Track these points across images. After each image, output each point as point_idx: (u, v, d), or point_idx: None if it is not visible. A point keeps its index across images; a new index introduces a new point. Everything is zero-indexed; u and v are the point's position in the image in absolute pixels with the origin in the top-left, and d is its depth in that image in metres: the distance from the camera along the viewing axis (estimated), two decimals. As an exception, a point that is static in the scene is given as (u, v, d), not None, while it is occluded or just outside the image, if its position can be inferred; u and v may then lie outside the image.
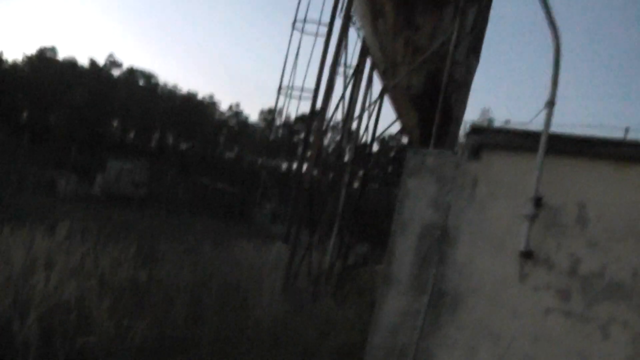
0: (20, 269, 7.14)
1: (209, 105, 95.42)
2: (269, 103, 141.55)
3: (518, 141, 6.68)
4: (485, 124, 6.80)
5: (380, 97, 15.93)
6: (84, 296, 6.66)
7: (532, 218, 6.43)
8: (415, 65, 12.09)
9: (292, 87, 14.81)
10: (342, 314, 8.93)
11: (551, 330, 6.40)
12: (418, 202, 6.80)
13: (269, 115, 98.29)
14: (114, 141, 75.85)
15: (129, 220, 22.66)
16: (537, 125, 6.83)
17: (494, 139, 6.71)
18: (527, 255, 6.43)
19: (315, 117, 14.59)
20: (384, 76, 13.33)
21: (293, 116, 68.79)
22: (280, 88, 14.95)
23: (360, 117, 15.73)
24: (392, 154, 61.88)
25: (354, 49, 16.52)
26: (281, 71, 19.39)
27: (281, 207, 47.53)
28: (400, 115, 13.73)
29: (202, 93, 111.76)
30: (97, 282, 7.15)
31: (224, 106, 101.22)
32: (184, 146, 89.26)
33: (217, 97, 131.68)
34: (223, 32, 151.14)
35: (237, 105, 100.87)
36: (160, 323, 6.87)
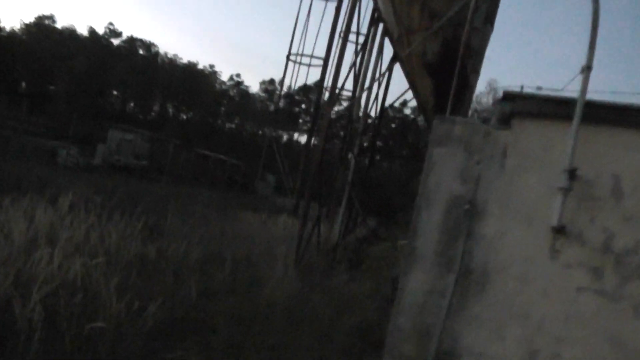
0: (22, 244, 6.76)
1: (209, 75, 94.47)
2: (270, 73, 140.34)
3: (551, 109, 6.25)
4: (516, 90, 6.34)
5: (391, 66, 15.42)
6: (91, 275, 6.27)
7: (566, 191, 6.05)
8: (433, 30, 11.57)
9: (302, 54, 14.30)
10: (357, 291, 8.58)
11: (583, 309, 6.06)
12: (445, 173, 6.40)
13: (270, 85, 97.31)
14: (114, 111, 75.14)
15: (133, 192, 22.29)
16: (568, 92, 6.42)
17: (526, 106, 6.28)
18: (560, 230, 6.06)
19: (324, 87, 14.13)
20: (397, 43, 12.81)
21: (297, 85, 67.87)
22: (289, 54, 14.44)
23: (370, 87, 15.26)
24: (393, 125, 61.15)
25: (365, 14, 15.87)
26: (290, 37, 18.22)
27: (285, 178, 47.08)
28: (413, 84, 13.24)
29: (202, 63, 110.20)
30: (103, 260, 6.74)
31: (224, 76, 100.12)
32: (184, 116, 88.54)
33: (218, 68, 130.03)
34: (223, 1, 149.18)
35: (238, 75, 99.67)
36: (171, 303, 6.50)
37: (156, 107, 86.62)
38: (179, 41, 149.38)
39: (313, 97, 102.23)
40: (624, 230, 6.02)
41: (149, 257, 7.97)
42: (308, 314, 7.37)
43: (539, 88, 6.34)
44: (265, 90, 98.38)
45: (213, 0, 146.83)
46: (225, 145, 69.26)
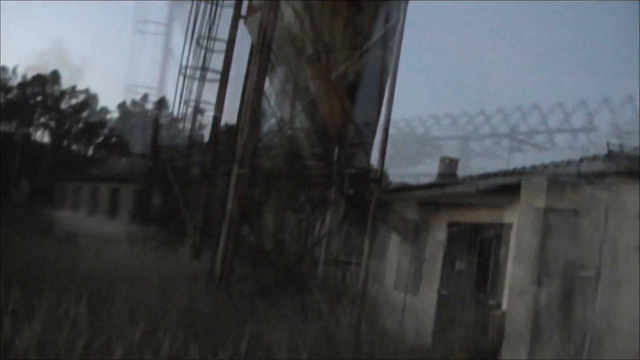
0: None
1: None
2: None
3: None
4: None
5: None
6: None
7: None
8: (364, 50, 11.04)
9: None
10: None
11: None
12: (560, 236, 6.04)
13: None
14: None
15: None
16: None
17: (627, 165, 6.19)
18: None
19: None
20: (310, 60, 11.89)
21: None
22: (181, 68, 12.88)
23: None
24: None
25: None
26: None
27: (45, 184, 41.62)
28: (312, 105, 12.27)
29: None
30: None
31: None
32: None
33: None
34: None
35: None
36: None
37: None
38: None
39: (49, 90, 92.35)
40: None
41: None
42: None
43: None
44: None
45: None
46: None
